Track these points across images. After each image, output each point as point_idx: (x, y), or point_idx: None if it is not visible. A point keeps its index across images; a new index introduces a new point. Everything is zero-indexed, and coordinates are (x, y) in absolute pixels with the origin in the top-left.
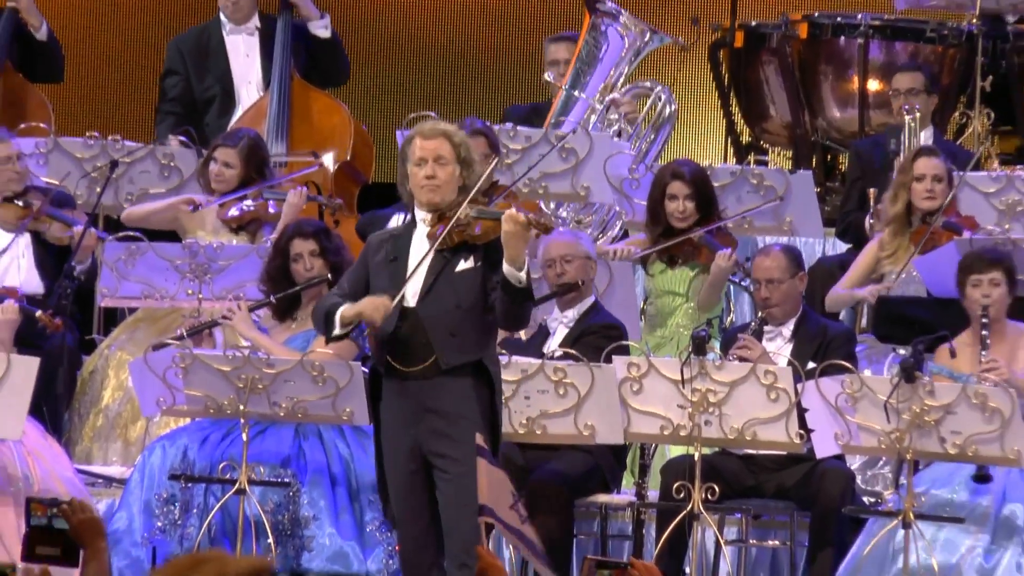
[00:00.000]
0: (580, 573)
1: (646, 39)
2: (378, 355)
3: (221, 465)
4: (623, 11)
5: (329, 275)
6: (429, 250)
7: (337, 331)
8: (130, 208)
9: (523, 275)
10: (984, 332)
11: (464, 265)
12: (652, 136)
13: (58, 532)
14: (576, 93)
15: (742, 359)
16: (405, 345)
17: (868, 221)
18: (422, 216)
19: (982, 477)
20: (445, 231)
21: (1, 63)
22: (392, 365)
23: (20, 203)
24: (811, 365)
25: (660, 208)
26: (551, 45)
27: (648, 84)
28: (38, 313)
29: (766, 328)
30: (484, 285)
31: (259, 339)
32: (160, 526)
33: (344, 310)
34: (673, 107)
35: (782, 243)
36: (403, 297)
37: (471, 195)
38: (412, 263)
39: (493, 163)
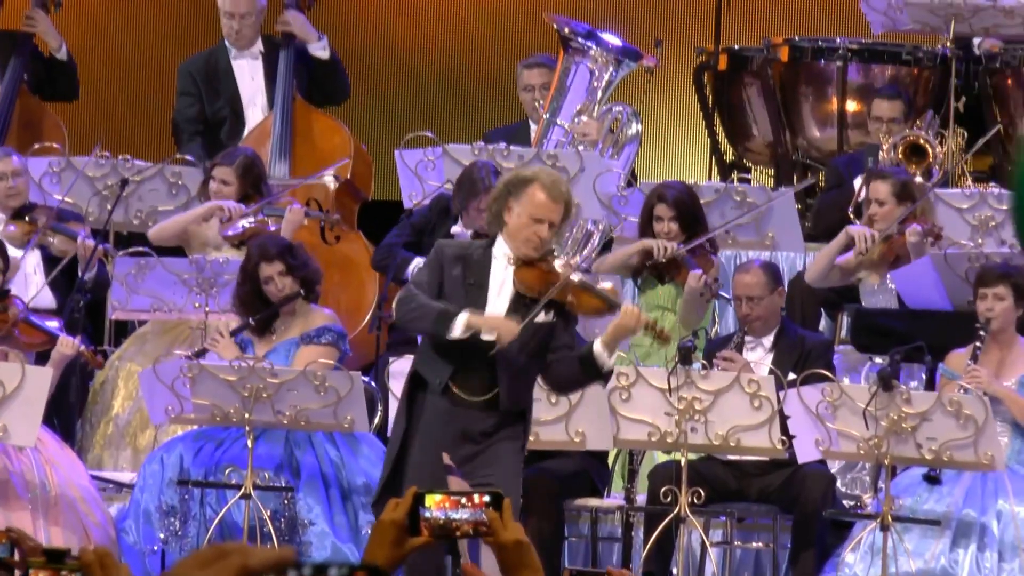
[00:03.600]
0: None
1: (615, 69)
2: (435, 374)
3: (227, 470)
4: (592, 46)
5: (301, 291)
6: (540, 306)
7: (458, 334)
8: (156, 228)
9: (611, 363)
10: (977, 344)
11: (543, 317)
12: (616, 155)
13: None
14: (557, 121)
15: (724, 369)
16: (470, 374)
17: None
18: (505, 250)
19: (932, 479)
20: (555, 289)
21: (18, 87)
22: (450, 388)
23: (27, 219)
24: (791, 376)
25: (648, 229)
26: (524, 71)
27: (615, 107)
28: (82, 348)
29: (748, 339)
30: (550, 340)
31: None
32: (162, 537)
33: (473, 318)
34: (638, 126)
35: (761, 259)
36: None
37: (576, 266)
38: (492, 292)
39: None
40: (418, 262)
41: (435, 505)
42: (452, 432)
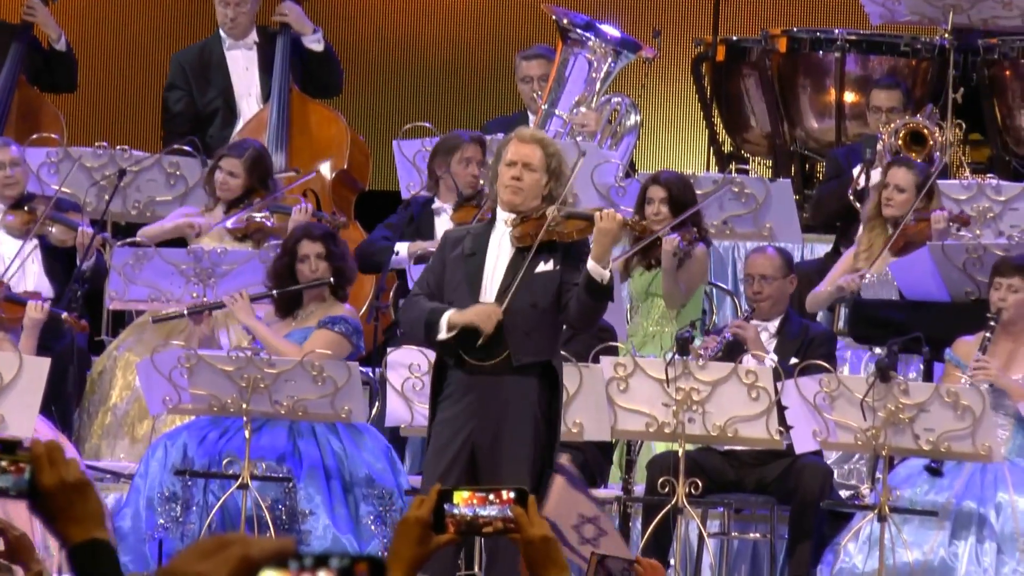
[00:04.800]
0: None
1: (613, 60)
2: (449, 348)
3: (225, 461)
4: (591, 37)
5: (332, 279)
6: (533, 247)
7: (443, 335)
8: (144, 229)
9: (607, 273)
10: (987, 334)
11: (543, 267)
12: (614, 146)
13: None
14: (556, 111)
15: (736, 335)
16: (478, 340)
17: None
18: (504, 216)
19: (934, 471)
20: (542, 231)
21: (16, 78)
22: (463, 358)
23: (26, 209)
24: (793, 360)
25: (641, 214)
26: (523, 62)
27: (613, 97)
28: (64, 315)
29: (753, 323)
30: (559, 288)
31: (258, 328)
32: (162, 523)
33: (452, 316)
34: (636, 117)
35: (776, 245)
36: (484, 294)
37: (561, 197)
38: (490, 260)
39: (577, 167)
40: (400, 247)
41: (462, 502)
42: (470, 403)
